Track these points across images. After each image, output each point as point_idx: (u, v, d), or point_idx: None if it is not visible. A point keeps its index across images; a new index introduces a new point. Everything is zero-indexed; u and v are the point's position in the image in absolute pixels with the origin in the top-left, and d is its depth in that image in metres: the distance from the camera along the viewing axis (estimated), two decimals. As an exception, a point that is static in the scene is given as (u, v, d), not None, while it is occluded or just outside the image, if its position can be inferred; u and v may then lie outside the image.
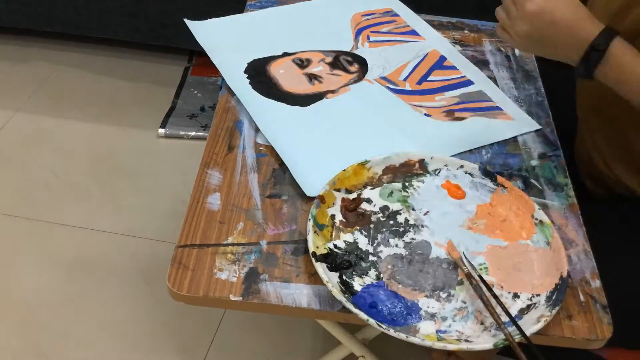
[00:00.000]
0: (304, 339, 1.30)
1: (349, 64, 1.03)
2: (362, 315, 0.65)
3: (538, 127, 0.93)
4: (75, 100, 1.87)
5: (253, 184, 0.80)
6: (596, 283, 0.73)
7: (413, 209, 0.81)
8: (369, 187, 0.82)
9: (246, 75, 0.99)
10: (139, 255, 1.44)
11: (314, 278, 0.70)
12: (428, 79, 1.01)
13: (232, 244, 0.73)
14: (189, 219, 0.75)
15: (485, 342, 0.65)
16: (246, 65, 1.01)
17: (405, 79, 1.01)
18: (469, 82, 1.01)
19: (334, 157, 0.85)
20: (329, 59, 1.04)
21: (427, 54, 1.06)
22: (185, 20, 1.10)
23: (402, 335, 0.65)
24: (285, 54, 1.05)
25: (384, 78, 1.01)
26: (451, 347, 0.65)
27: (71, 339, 1.28)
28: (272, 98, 0.95)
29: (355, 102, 0.96)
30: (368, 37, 1.10)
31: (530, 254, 0.76)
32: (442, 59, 1.05)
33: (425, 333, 0.67)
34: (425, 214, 0.80)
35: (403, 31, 1.11)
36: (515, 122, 0.94)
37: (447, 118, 0.94)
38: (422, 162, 0.85)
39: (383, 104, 0.96)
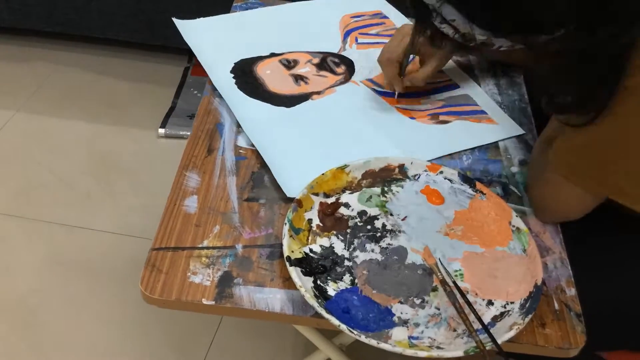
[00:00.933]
0: (303, 340, 1.30)
1: (336, 65, 1.04)
2: (334, 321, 0.65)
3: (522, 131, 0.93)
4: (75, 100, 1.87)
5: (231, 187, 0.80)
6: (571, 291, 0.73)
7: (391, 214, 0.81)
8: (347, 192, 0.82)
9: (232, 75, 0.99)
10: (138, 255, 1.43)
11: (288, 283, 0.70)
12: None
13: (207, 247, 0.73)
14: (164, 221, 0.75)
15: (456, 349, 0.65)
16: (233, 65, 1.02)
17: None
18: (455, 86, 1.01)
19: (317, 158, 0.85)
20: (316, 60, 1.04)
21: (414, 57, 1.06)
22: (174, 19, 1.10)
23: (373, 342, 0.65)
24: (273, 55, 1.05)
25: (371, 80, 1.01)
26: (422, 354, 0.64)
27: (71, 338, 1.28)
28: (257, 98, 0.96)
29: (341, 104, 0.96)
30: (356, 39, 1.10)
31: (506, 261, 0.76)
32: None
33: (397, 339, 0.67)
34: (403, 220, 0.80)
35: (392, 33, 1.11)
36: (500, 126, 0.94)
37: (432, 121, 0.94)
38: (401, 167, 0.85)
39: (369, 106, 0.97)
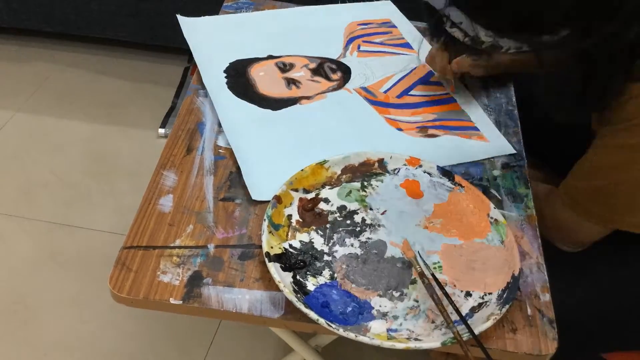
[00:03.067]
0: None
1: (332, 71, 1.03)
2: (313, 315, 0.66)
3: (513, 151, 0.89)
4: (75, 100, 1.87)
5: (208, 187, 0.80)
6: (545, 297, 0.72)
7: (370, 209, 0.81)
8: (327, 187, 0.82)
9: (225, 75, 0.99)
10: None
11: (258, 283, 0.70)
12: (410, 93, 0.99)
13: (179, 247, 0.73)
14: (138, 220, 0.75)
15: (434, 340, 0.66)
16: (228, 64, 1.02)
17: (386, 91, 0.99)
18: (451, 100, 0.99)
19: (292, 163, 0.82)
20: (313, 65, 1.03)
21: (415, 67, 1.04)
22: (178, 16, 1.10)
23: (351, 335, 0.65)
24: (270, 57, 1.04)
25: (364, 88, 1.00)
26: (400, 345, 0.65)
27: (71, 338, 1.28)
28: (244, 99, 0.95)
29: (328, 110, 0.95)
30: (359, 47, 1.08)
31: (485, 252, 0.76)
32: (430, 74, 1.03)
33: (375, 332, 0.67)
34: (382, 214, 0.80)
35: (396, 43, 1.10)
36: (490, 144, 0.91)
37: (420, 134, 0.92)
38: (381, 162, 0.85)
39: (356, 114, 0.95)
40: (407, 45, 1.10)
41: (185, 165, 0.83)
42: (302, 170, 0.81)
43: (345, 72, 1.03)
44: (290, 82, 1.00)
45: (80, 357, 1.25)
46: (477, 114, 0.96)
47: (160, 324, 1.31)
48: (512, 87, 1.02)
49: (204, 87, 0.96)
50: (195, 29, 1.08)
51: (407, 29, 1.13)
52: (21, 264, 1.42)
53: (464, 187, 0.82)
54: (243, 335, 1.30)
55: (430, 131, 0.93)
